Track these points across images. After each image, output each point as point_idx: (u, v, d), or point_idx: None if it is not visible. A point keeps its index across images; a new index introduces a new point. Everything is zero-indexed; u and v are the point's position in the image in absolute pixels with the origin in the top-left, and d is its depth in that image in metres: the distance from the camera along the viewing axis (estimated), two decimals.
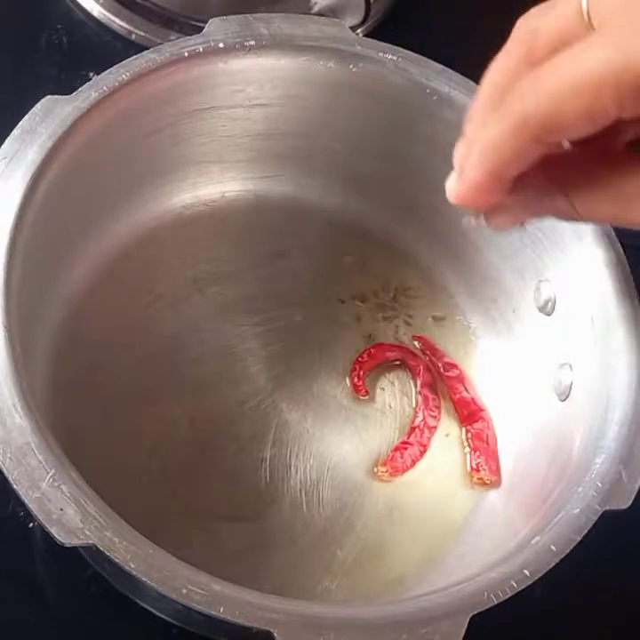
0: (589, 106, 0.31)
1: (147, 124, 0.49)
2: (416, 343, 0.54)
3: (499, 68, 0.35)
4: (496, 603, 0.38)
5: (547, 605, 0.49)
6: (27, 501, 0.36)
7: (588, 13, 0.33)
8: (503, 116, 0.33)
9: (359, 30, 0.61)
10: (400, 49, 0.50)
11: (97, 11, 0.63)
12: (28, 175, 0.43)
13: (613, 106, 0.31)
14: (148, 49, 0.48)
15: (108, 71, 0.46)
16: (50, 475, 0.37)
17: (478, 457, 0.50)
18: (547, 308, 0.50)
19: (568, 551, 0.39)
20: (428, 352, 0.53)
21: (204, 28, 0.49)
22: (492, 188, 0.35)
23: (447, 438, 0.51)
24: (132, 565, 0.36)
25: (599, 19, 0.32)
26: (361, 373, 0.52)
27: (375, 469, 0.50)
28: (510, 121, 0.33)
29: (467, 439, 0.51)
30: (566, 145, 0.36)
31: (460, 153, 0.37)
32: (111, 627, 0.47)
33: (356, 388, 0.52)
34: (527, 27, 0.35)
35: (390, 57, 0.50)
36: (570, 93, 0.31)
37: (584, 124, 0.31)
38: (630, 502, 0.41)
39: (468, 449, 0.51)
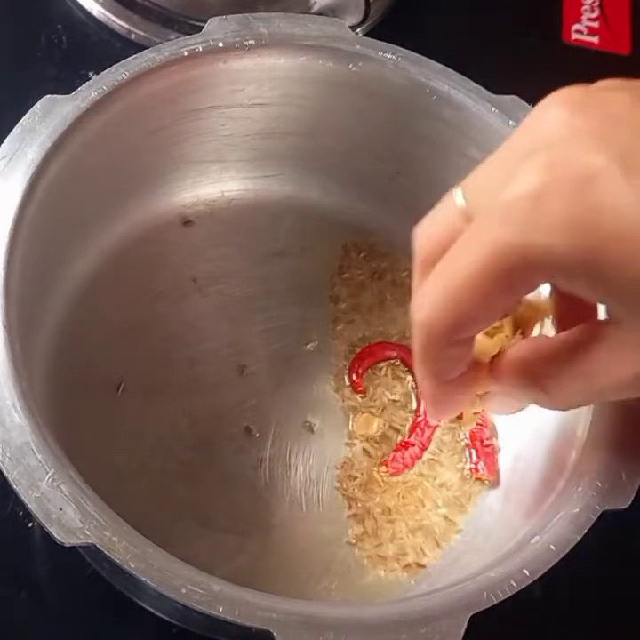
0: (481, 299, 0.31)
1: (146, 124, 0.49)
2: None
3: (414, 276, 0.36)
4: (495, 602, 0.38)
5: (547, 605, 0.49)
6: (26, 501, 0.36)
7: (466, 210, 0.33)
8: (413, 334, 0.34)
9: (359, 30, 0.61)
10: (400, 48, 0.50)
11: (97, 10, 0.63)
12: (28, 174, 0.43)
13: (503, 292, 0.31)
14: (147, 48, 0.48)
15: (107, 71, 0.46)
16: (49, 474, 0.37)
17: (477, 456, 0.50)
18: None
19: (568, 551, 0.39)
20: None
21: (203, 27, 0.49)
22: (446, 391, 0.36)
23: (447, 438, 0.51)
24: (132, 565, 0.36)
25: (475, 212, 0.33)
26: (360, 371, 0.52)
27: (376, 469, 0.50)
28: (417, 333, 0.34)
29: (466, 438, 0.51)
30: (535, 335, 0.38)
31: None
32: (111, 626, 0.47)
33: (354, 386, 0.52)
34: (422, 232, 0.36)
35: (390, 56, 0.50)
36: (456, 294, 0.32)
37: (485, 314, 0.32)
38: (630, 502, 0.41)
39: (467, 448, 0.51)
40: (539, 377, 0.35)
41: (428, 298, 0.33)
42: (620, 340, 0.33)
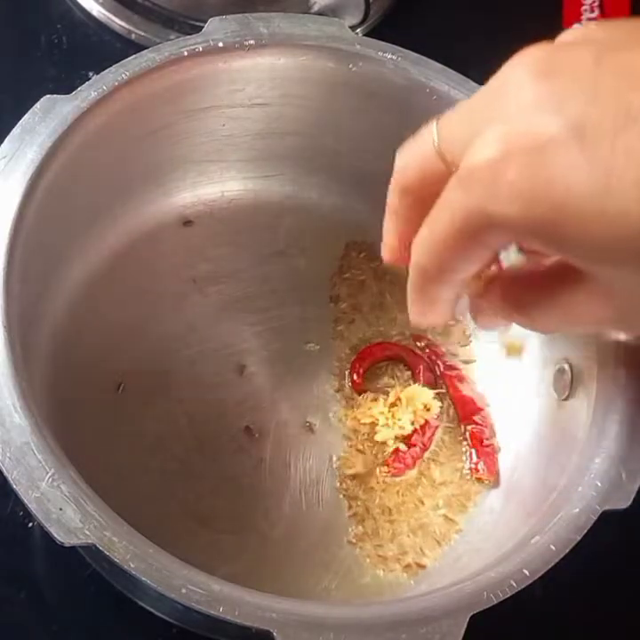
0: (459, 253, 0.34)
1: (146, 124, 0.49)
2: (416, 342, 0.54)
3: (391, 198, 0.39)
4: (495, 602, 0.38)
5: (547, 605, 0.49)
6: (26, 501, 0.36)
7: (440, 152, 0.35)
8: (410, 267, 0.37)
9: (359, 30, 0.61)
10: (400, 48, 0.50)
11: (97, 10, 0.63)
12: (28, 174, 0.43)
13: (477, 248, 0.34)
14: (147, 48, 0.48)
15: (107, 71, 0.46)
16: (49, 474, 0.37)
17: (477, 456, 0.50)
18: None
19: (568, 551, 0.39)
20: (428, 351, 0.53)
21: (203, 27, 0.49)
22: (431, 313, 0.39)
23: (447, 438, 0.51)
24: (132, 565, 0.36)
25: (451, 157, 0.35)
26: (361, 371, 0.52)
27: (376, 469, 0.50)
28: (413, 272, 0.37)
29: (466, 438, 0.51)
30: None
31: None
32: (110, 626, 0.47)
33: (354, 386, 0.52)
34: (401, 160, 0.38)
35: (390, 56, 0.50)
36: (439, 248, 0.34)
37: (466, 265, 0.35)
38: (630, 502, 0.41)
39: (467, 448, 0.51)
40: (522, 304, 0.37)
41: (420, 246, 0.35)
42: (596, 286, 0.34)
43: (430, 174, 0.36)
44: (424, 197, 0.36)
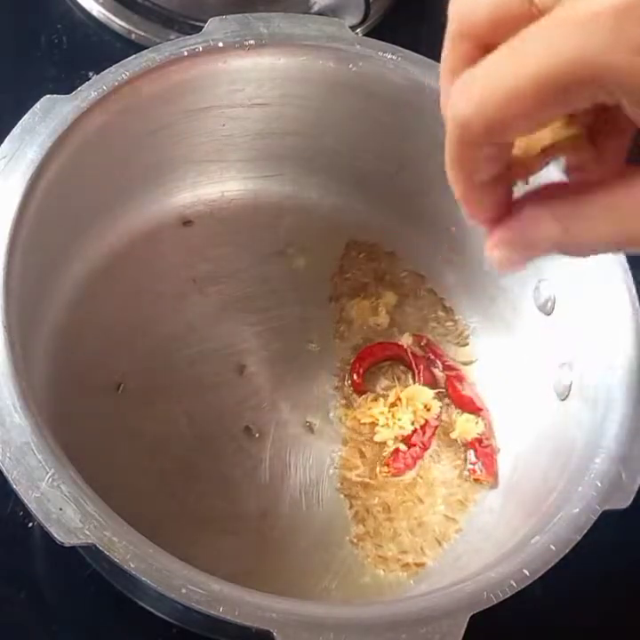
0: (532, 107, 0.29)
1: (146, 124, 0.49)
2: (416, 342, 0.54)
3: (446, 45, 0.33)
4: (496, 602, 0.38)
5: (547, 605, 0.49)
6: (26, 501, 0.36)
7: None
8: (447, 124, 0.31)
9: (359, 30, 0.61)
10: (400, 48, 0.50)
11: (96, 10, 0.63)
12: (28, 174, 0.43)
13: (558, 105, 0.29)
14: (147, 48, 0.48)
15: (107, 71, 0.46)
16: (49, 474, 0.37)
17: (476, 457, 0.50)
18: (546, 308, 0.50)
19: (568, 551, 0.39)
20: (427, 351, 0.53)
21: (203, 27, 0.49)
22: (472, 197, 0.33)
23: (447, 438, 0.51)
24: (132, 565, 0.36)
25: (543, 2, 0.30)
26: (361, 371, 0.52)
27: (377, 469, 0.50)
28: (452, 130, 0.31)
29: (466, 439, 0.51)
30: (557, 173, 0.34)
31: None
32: (110, 626, 0.47)
33: (355, 386, 0.52)
34: (463, 3, 0.32)
35: (390, 56, 0.50)
36: (506, 97, 0.29)
37: (530, 123, 0.30)
38: (630, 502, 0.41)
39: (466, 449, 0.51)
40: (561, 210, 0.33)
41: (473, 94, 0.30)
42: None
43: (504, 15, 0.30)
44: (487, 45, 0.31)
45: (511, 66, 0.29)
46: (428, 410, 0.51)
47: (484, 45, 0.31)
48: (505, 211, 0.34)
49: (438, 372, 0.53)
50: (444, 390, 0.52)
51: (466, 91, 0.30)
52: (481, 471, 0.50)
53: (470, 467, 0.50)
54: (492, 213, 0.34)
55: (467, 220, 0.34)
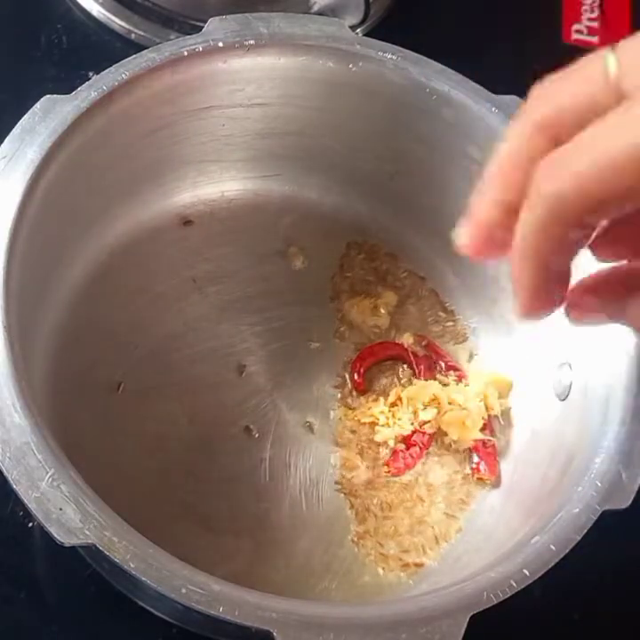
0: (630, 181, 0.28)
1: (146, 124, 0.49)
2: (417, 342, 0.54)
3: (514, 139, 0.32)
4: (495, 602, 0.38)
5: (546, 605, 0.49)
6: (26, 501, 0.36)
7: (616, 79, 0.30)
8: (533, 205, 0.30)
9: (359, 30, 0.61)
10: (400, 48, 0.50)
11: (96, 10, 0.63)
12: (28, 174, 0.43)
13: None
14: (147, 48, 0.48)
15: (107, 71, 0.46)
16: (49, 474, 0.37)
17: (478, 457, 0.50)
18: None
19: (568, 551, 0.39)
20: (428, 351, 0.53)
21: (203, 27, 0.49)
22: (544, 289, 0.32)
23: (448, 438, 0.51)
24: (132, 565, 0.36)
25: (633, 86, 0.30)
26: (361, 371, 0.52)
27: (377, 469, 0.50)
28: (542, 207, 0.30)
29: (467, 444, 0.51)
30: None
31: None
32: (110, 626, 0.47)
33: (355, 385, 0.52)
34: (546, 93, 0.32)
35: (390, 56, 0.50)
36: (611, 167, 0.28)
37: (626, 198, 0.29)
38: (630, 502, 0.41)
39: (467, 448, 0.51)
40: (620, 299, 0.34)
41: (570, 168, 0.29)
42: None
43: (586, 108, 0.30)
44: (560, 137, 0.30)
45: (611, 139, 0.28)
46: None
47: (556, 137, 0.30)
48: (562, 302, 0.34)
49: (440, 374, 0.53)
50: (451, 381, 0.52)
51: (560, 166, 0.29)
52: (484, 470, 0.50)
53: (473, 466, 0.50)
54: (558, 306, 0.33)
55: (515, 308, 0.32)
